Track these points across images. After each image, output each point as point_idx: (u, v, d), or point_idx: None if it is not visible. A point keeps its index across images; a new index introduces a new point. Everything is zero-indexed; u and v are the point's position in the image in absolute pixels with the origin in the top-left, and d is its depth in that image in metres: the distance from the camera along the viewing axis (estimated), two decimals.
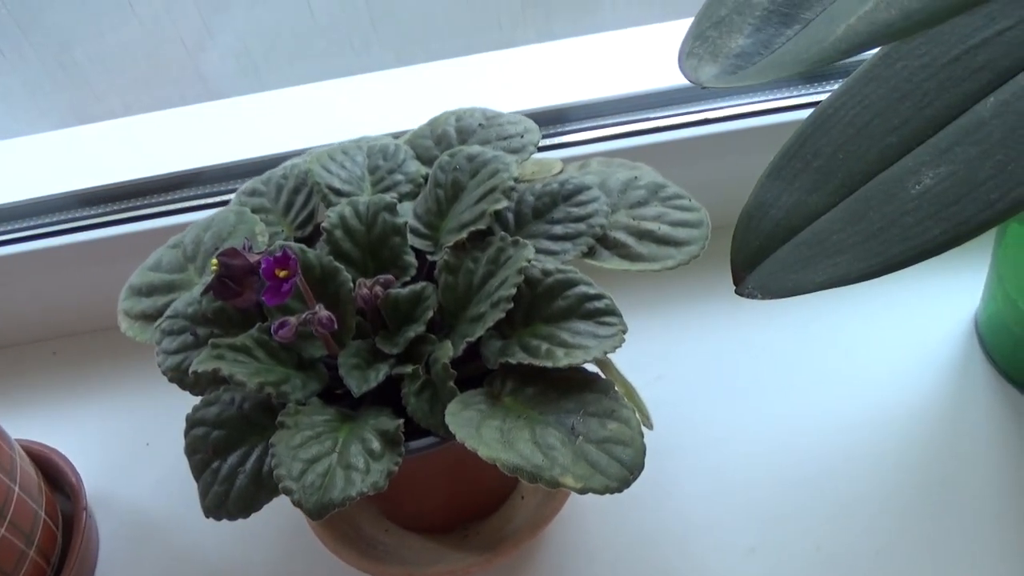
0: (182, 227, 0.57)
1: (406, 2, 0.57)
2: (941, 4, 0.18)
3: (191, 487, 0.50)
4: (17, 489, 0.41)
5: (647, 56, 0.59)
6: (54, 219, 0.59)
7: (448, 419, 0.32)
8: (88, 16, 0.55)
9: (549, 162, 0.46)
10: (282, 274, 0.33)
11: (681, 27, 0.59)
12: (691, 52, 0.23)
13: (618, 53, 0.60)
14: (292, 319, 0.34)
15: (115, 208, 0.59)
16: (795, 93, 0.56)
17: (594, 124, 0.57)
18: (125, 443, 0.53)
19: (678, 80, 0.56)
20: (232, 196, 0.58)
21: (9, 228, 0.59)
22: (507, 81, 0.60)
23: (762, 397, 0.49)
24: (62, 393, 0.57)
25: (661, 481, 0.46)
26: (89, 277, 0.59)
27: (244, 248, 0.36)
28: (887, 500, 0.44)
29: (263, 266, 0.33)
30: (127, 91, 0.60)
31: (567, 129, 0.57)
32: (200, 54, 0.58)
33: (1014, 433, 0.46)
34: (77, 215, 0.59)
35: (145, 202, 0.59)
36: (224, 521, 0.47)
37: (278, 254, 0.33)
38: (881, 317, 0.51)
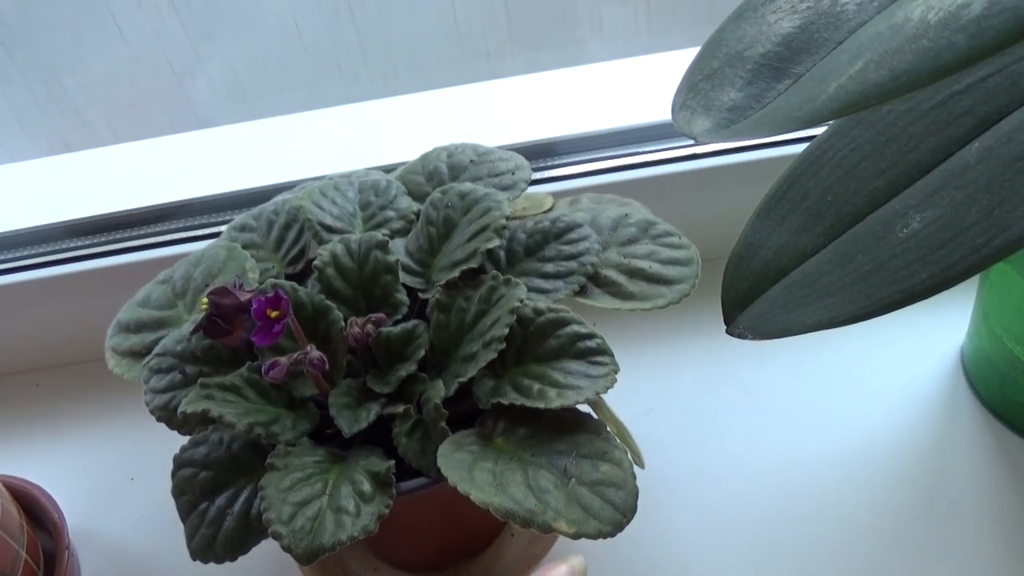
0: (169, 259, 0.57)
1: (395, 31, 0.57)
2: (929, 66, 0.19)
3: (176, 524, 0.50)
4: None
5: (637, 89, 0.60)
6: (38, 251, 0.59)
7: (440, 461, 0.32)
8: (77, 41, 0.55)
9: (539, 197, 0.46)
10: (273, 314, 0.33)
11: (671, 60, 0.60)
12: (684, 104, 0.23)
13: (608, 85, 0.60)
14: (283, 359, 0.34)
15: (100, 240, 0.59)
16: None
17: (584, 158, 0.58)
18: (109, 478, 0.52)
19: (668, 115, 0.57)
20: (220, 229, 0.58)
21: None
22: (497, 113, 0.60)
23: (752, 433, 0.49)
24: (45, 426, 0.56)
25: (651, 517, 0.46)
26: (74, 309, 0.58)
27: (235, 286, 0.36)
28: (875, 536, 0.45)
29: (254, 306, 0.33)
30: (115, 118, 0.60)
31: (557, 163, 0.58)
32: (189, 81, 0.58)
33: (1000, 466, 0.46)
34: (62, 246, 0.59)
35: (131, 234, 0.59)
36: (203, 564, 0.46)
37: (270, 294, 0.33)
38: (869, 353, 0.52)
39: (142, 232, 0.59)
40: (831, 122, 0.36)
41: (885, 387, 0.50)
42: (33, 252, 0.59)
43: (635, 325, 0.55)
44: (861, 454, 0.47)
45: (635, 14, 0.58)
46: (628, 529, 0.47)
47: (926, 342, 0.51)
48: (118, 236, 0.59)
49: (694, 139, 0.23)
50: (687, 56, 0.61)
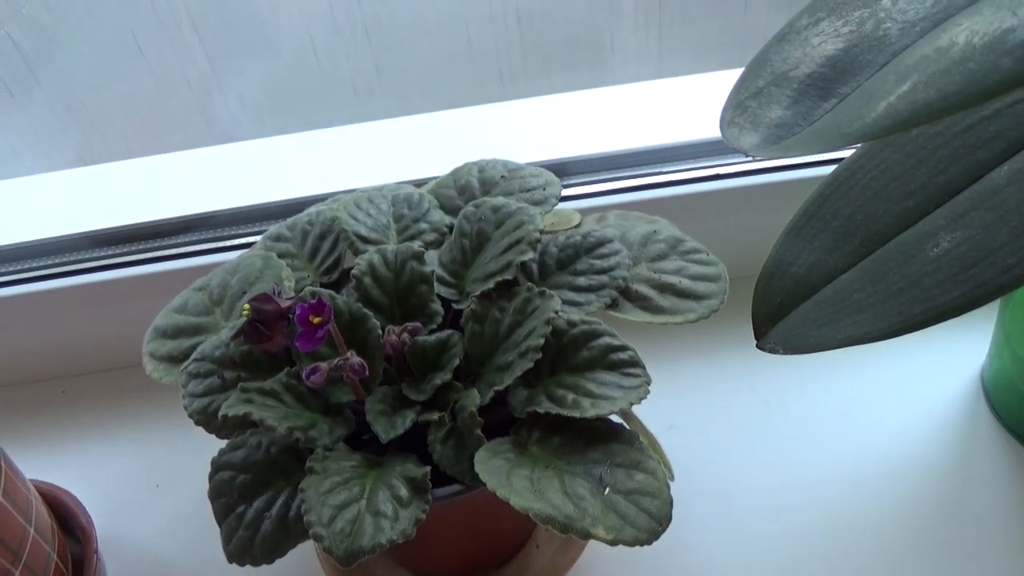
0: (195, 270, 0.58)
1: (410, 51, 0.58)
2: (976, 87, 0.19)
3: (201, 530, 0.50)
4: (32, 531, 0.41)
5: (658, 110, 0.61)
6: (64, 260, 0.60)
7: (478, 467, 0.32)
8: (97, 58, 0.56)
9: (567, 214, 0.47)
10: (316, 320, 0.34)
11: (687, 84, 0.61)
12: (732, 121, 0.24)
13: (629, 106, 0.61)
14: (324, 365, 0.35)
15: (124, 250, 0.60)
16: None
17: (605, 177, 0.59)
18: (133, 484, 0.53)
19: (688, 136, 0.58)
20: (245, 240, 0.59)
21: (19, 268, 0.60)
22: (520, 131, 0.61)
23: (774, 450, 0.50)
24: (69, 433, 0.57)
25: (675, 531, 0.46)
26: (99, 318, 0.59)
27: (274, 293, 0.36)
28: (896, 554, 0.45)
29: (298, 312, 0.34)
30: (131, 135, 0.61)
31: (578, 181, 0.59)
32: (205, 99, 0.59)
33: (1021, 487, 0.47)
34: (86, 256, 0.60)
35: (155, 244, 0.60)
36: (236, 567, 0.46)
37: (312, 301, 0.34)
38: (890, 373, 0.52)
39: (167, 243, 0.60)
40: (860, 143, 0.37)
41: (906, 407, 0.51)
42: (58, 261, 0.60)
43: (655, 342, 0.55)
44: (882, 473, 0.48)
45: (646, 39, 0.59)
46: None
47: (947, 364, 0.52)
48: (142, 247, 0.60)
49: (744, 153, 0.24)
50: (705, 80, 0.61)
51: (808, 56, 0.25)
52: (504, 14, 0.56)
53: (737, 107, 0.25)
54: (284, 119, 0.62)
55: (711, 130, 0.57)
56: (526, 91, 0.62)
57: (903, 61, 0.22)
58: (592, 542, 0.43)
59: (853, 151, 0.36)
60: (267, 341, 0.36)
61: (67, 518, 0.47)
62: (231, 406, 0.34)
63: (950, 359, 0.52)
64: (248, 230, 0.60)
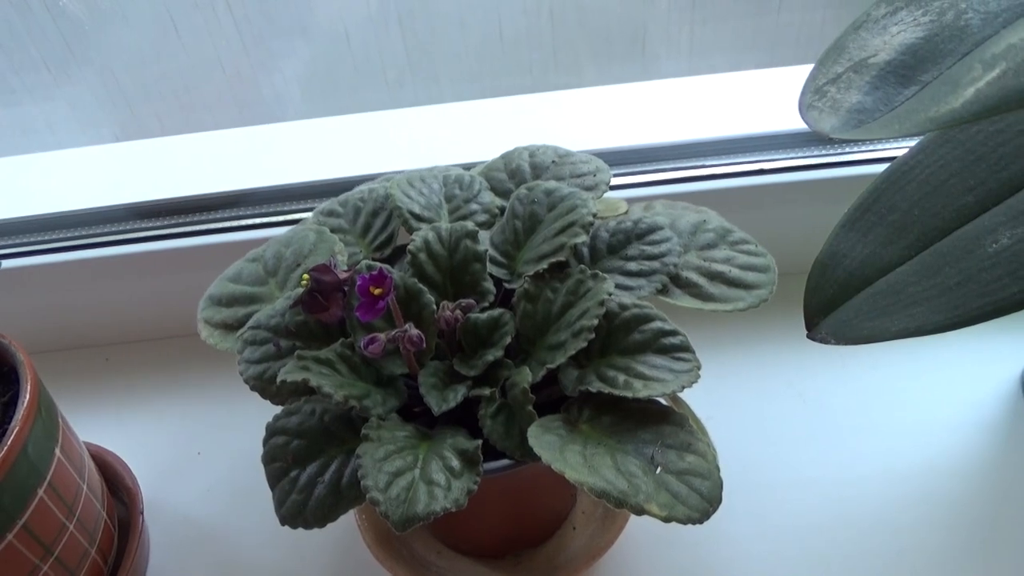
0: (235, 245, 0.58)
1: (442, 43, 0.58)
2: None
3: (239, 497, 0.51)
4: (85, 488, 0.42)
5: (697, 105, 0.61)
6: (110, 230, 0.61)
7: (531, 441, 0.33)
8: (135, 39, 0.57)
9: (614, 202, 0.47)
10: (377, 292, 0.34)
11: (727, 80, 0.61)
12: (811, 105, 0.25)
13: (667, 101, 0.62)
14: (382, 335, 0.35)
15: (169, 223, 0.61)
16: (833, 152, 0.57)
17: (646, 169, 0.59)
18: (175, 452, 0.54)
19: (731, 131, 0.58)
20: (284, 218, 0.60)
21: (65, 236, 0.61)
22: (560, 122, 0.62)
23: (809, 445, 0.50)
24: (113, 399, 0.58)
25: (710, 522, 0.47)
26: (141, 288, 0.60)
27: (331, 265, 0.37)
28: (932, 553, 0.45)
29: (359, 283, 0.35)
30: (164, 114, 0.62)
31: (618, 172, 0.59)
32: (237, 82, 0.60)
33: None
34: (132, 227, 0.61)
35: (198, 218, 0.61)
36: (275, 535, 0.47)
37: (374, 272, 0.35)
38: (929, 374, 0.52)
39: (209, 217, 0.61)
40: (915, 141, 0.37)
41: (946, 408, 0.51)
42: (104, 231, 0.61)
43: (692, 335, 0.56)
44: (920, 472, 0.48)
45: (679, 36, 0.59)
46: (685, 532, 0.48)
47: (985, 366, 0.52)
48: (185, 220, 0.61)
49: (826, 136, 0.24)
50: (742, 78, 0.61)
51: (887, 44, 0.25)
52: (538, 9, 0.57)
53: (816, 92, 0.25)
54: (314, 107, 0.62)
55: (752, 125, 0.58)
56: (555, 86, 0.62)
57: (988, 50, 0.22)
58: (627, 528, 0.44)
59: (908, 149, 0.37)
60: (324, 311, 0.37)
61: (113, 480, 0.48)
62: (289, 372, 0.35)
63: (989, 362, 0.52)
64: (290, 207, 0.61)
